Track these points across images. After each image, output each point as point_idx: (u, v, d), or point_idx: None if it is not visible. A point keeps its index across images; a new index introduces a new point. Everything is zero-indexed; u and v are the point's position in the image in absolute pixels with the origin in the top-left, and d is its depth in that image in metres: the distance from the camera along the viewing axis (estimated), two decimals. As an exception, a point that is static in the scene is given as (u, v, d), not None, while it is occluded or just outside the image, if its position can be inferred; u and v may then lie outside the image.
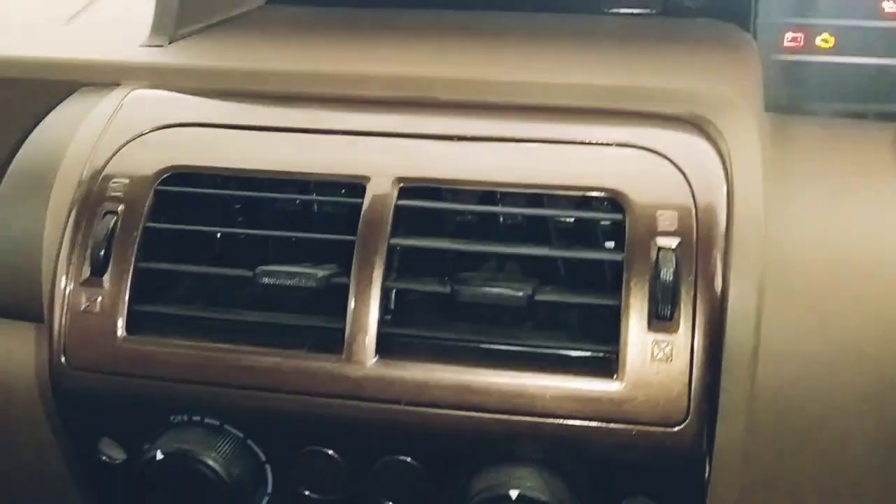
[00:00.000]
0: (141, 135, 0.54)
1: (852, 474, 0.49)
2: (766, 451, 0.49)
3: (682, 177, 0.48)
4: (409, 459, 0.48)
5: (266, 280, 0.48)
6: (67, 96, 0.61)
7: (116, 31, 0.66)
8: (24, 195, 0.56)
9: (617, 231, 0.48)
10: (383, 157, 0.51)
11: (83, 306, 0.50)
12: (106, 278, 0.50)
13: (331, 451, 0.48)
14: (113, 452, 0.52)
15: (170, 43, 0.63)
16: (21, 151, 0.58)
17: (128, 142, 0.54)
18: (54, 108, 0.61)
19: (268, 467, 0.50)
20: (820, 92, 0.62)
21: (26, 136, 0.60)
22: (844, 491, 0.50)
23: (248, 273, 0.49)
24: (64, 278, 0.51)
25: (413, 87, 0.55)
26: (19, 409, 0.58)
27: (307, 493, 0.50)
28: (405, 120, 0.53)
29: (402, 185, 0.49)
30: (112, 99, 0.58)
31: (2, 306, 0.56)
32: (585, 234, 0.50)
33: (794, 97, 0.62)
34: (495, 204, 0.50)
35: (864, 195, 0.52)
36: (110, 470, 0.52)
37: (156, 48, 0.63)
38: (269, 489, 0.50)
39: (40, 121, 0.60)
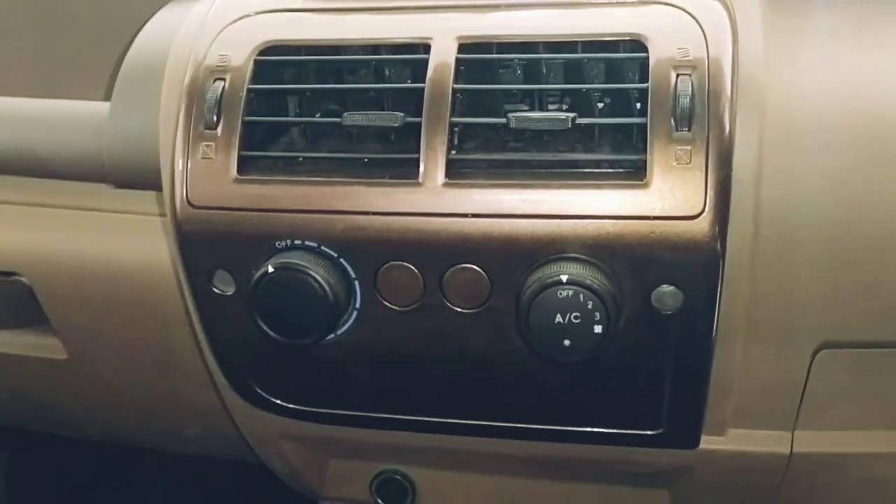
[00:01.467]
0: (236, 20, 0.64)
1: (850, 277, 0.58)
2: (773, 257, 0.58)
3: (694, 23, 0.57)
4: (474, 266, 0.57)
5: (355, 121, 0.58)
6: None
7: None
8: (139, 81, 0.66)
9: (641, 72, 0.58)
10: (443, 23, 0.61)
11: (201, 154, 0.60)
12: (218, 131, 0.60)
13: (408, 264, 0.58)
14: (224, 286, 0.62)
15: None
16: (131, 49, 0.68)
17: (226, 26, 0.64)
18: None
19: (356, 283, 0.60)
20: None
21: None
22: (844, 291, 0.59)
23: (337, 119, 0.59)
24: (182, 134, 0.61)
25: None
26: (144, 264, 0.70)
27: (388, 304, 0.60)
28: None
29: (460, 42, 0.59)
30: (206, 1, 0.68)
31: (127, 177, 0.67)
32: (614, 76, 0.59)
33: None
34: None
35: (851, 47, 0.61)
36: (222, 301, 0.63)
37: None
38: (358, 303, 0.60)
39: (135, 26, 0.71)
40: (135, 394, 0.86)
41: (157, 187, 0.66)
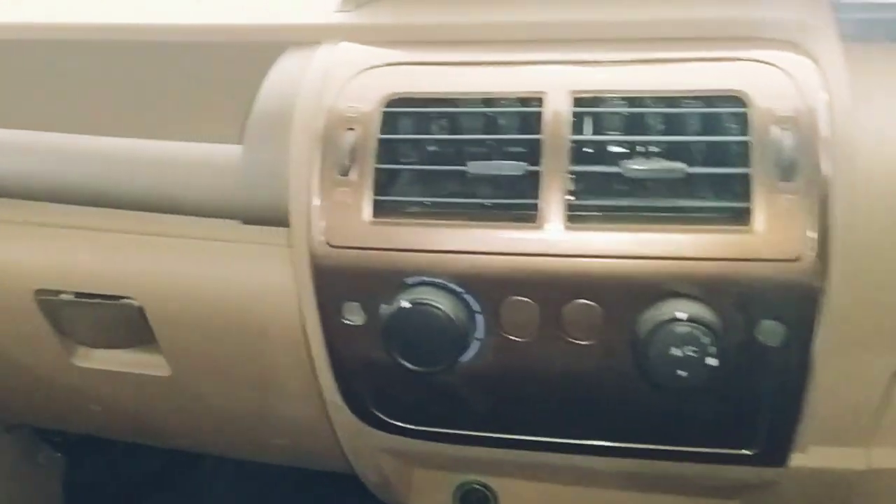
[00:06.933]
0: (360, 72, 0.70)
1: None
2: (863, 293, 0.63)
3: (787, 78, 0.63)
4: (590, 302, 0.63)
5: (481, 170, 0.64)
6: (276, 55, 0.77)
7: (311, 4, 0.82)
8: (268, 127, 0.71)
9: (739, 125, 0.63)
10: (554, 78, 0.66)
11: (336, 198, 0.66)
12: (353, 177, 0.66)
13: (528, 299, 0.64)
14: (354, 317, 0.68)
15: (357, 8, 0.79)
16: (259, 99, 0.73)
17: (351, 78, 0.70)
18: (268, 65, 0.77)
19: (480, 316, 0.65)
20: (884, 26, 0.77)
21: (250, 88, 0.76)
22: None
23: (463, 167, 0.65)
24: (318, 179, 0.67)
25: (566, 29, 0.71)
26: (260, 291, 0.75)
27: (508, 335, 0.65)
28: (565, 52, 0.69)
29: (575, 96, 0.64)
30: (325, 51, 0.74)
31: (256, 214, 0.72)
32: (711, 128, 0.65)
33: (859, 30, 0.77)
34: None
35: None
36: (350, 330, 0.69)
37: (347, 13, 0.79)
38: (480, 334, 0.66)
39: (256, 75, 0.76)
40: (231, 408, 0.92)
41: (283, 224, 0.71)
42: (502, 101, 0.67)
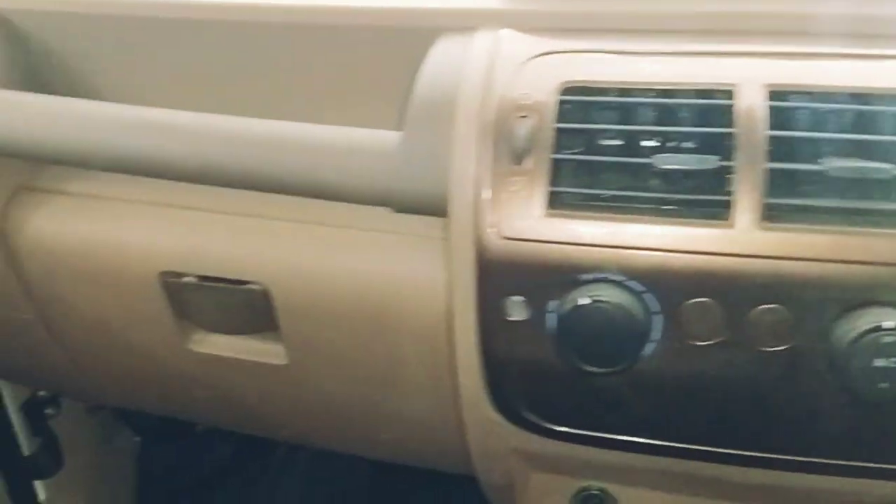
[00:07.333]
0: (530, 59, 0.67)
1: None
2: None
3: None
4: (781, 307, 0.60)
5: (669, 163, 0.61)
6: (429, 41, 0.74)
7: None
8: (431, 118, 0.68)
9: None
10: (744, 71, 0.63)
11: (509, 188, 0.63)
12: (527, 167, 0.63)
13: (713, 301, 0.61)
14: (516, 312, 0.65)
15: None
16: (419, 85, 0.70)
17: (520, 65, 0.67)
18: (420, 50, 0.74)
19: (658, 317, 0.62)
20: None
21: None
22: None
23: (647, 160, 0.62)
24: (490, 168, 0.64)
25: (744, 20, 0.68)
26: (399, 281, 0.73)
27: (687, 338, 0.62)
28: (751, 44, 0.65)
29: (770, 89, 0.61)
30: (487, 38, 0.71)
31: (412, 203, 0.69)
32: None
33: None
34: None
35: None
36: (511, 326, 0.66)
37: None
38: (657, 336, 0.63)
39: (407, 60, 0.74)
40: (347, 401, 0.90)
41: (438, 213, 0.69)
42: (687, 93, 0.64)
